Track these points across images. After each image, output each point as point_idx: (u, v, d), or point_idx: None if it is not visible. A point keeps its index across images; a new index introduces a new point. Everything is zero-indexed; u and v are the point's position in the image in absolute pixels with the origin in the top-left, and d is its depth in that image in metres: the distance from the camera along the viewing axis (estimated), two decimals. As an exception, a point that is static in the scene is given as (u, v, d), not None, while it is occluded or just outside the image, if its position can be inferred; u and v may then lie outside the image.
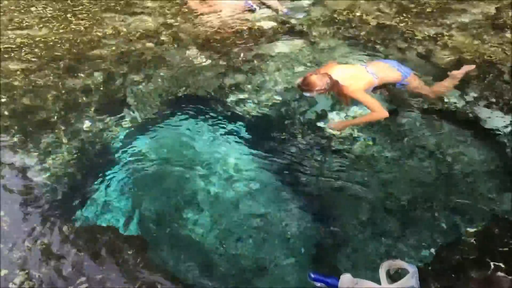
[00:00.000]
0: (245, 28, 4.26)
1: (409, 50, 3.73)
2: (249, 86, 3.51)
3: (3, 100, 3.19)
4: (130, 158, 3.10)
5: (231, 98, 3.42)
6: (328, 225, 2.58)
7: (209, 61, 3.78)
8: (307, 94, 2.99)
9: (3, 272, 1.98)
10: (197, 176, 3.06)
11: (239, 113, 3.33)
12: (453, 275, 1.93)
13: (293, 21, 4.34)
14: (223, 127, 3.36)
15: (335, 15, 4.34)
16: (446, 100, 3.20)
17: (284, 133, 3.14)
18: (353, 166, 2.84)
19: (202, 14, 4.62)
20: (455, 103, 3.19)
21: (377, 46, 3.82)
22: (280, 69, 3.66)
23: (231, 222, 2.79)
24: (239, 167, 3.09)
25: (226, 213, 2.83)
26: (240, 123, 3.34)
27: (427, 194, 2.58)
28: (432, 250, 2.17)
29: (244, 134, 3.30)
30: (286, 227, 2.74)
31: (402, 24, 4.07)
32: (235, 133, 3.33)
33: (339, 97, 3.17)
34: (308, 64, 3.70)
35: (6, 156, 2.74)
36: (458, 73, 3.26)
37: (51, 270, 2.00)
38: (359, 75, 3.04)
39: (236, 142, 3.24)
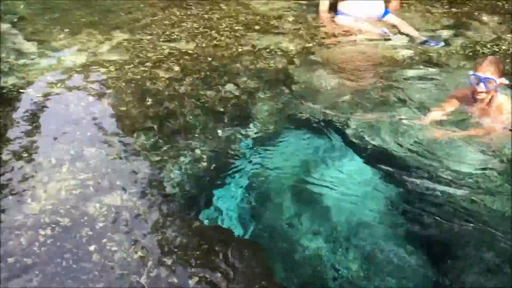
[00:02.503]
0: (378, 55, 4.26)
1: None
2: (376, 114, 3.47)
3: (149, 103, 3.51)
4: (252, 167, 3.24)
5: (354, 123, 3.40)
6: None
7: (338, 84, 3.82)
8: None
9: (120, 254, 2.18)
10: (313, 191, 3.10)
11: (360, 139, 3.30)
12: None
13: (430, 51, 4.23)
14: (342, 149, 3.37)
15: (478, 48, 4.13)
16: None
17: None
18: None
19: (336, 37, 4.71)
20: None
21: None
22: (411, 99, 3.58)
23: (346, 242, 2.77)
24: (354, 187, 3.07)
25: (342, 234, 2.83)
26: (360, 147, 3.32)
27: None
28: None
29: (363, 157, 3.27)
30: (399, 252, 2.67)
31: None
32: (352, 157, 3.32)
33: None
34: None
35: (147, 152, 3.01)
36: None
37: (172, 262, 2.16)
38: None
39: (353, 164, 3.22)
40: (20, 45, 4.39)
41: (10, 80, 3.70)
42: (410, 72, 3.97)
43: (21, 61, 4.03)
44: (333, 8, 5.08)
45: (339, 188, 3.12)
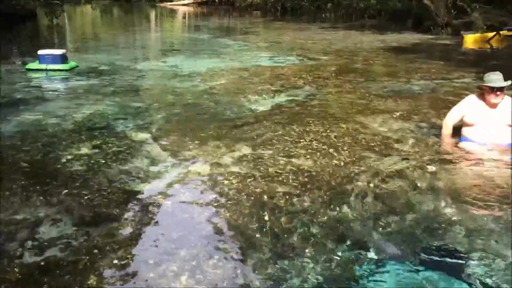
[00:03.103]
0: (507, 184, 4.01)
1: None
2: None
3: (266, 218, 3.58)
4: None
5: (484, 258, 3.13)
6: None
7: (464, 215, 3.60)
8: None
9: None
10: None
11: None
12: None
13: None
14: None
15: None
16: None
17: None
18: None
19: (460, 164, 4.55)
20: None
21: None
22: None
23: None
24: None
25: None
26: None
27: None
28: None
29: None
30: None
31: None
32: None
33: None
34: None
35: (261, 269, 3.01)
36: None
37: None
38: None
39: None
40: (154, 153, 4.84)
41: (142, 186, 4.04)
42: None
43: (154, 169, 4.41)
44: (456, 133, 4.98)
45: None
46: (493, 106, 4.63)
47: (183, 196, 3.86)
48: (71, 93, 7.83)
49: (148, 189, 3.98)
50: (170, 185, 4.07)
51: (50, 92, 7.99)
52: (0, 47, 13.65)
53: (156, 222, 3.46)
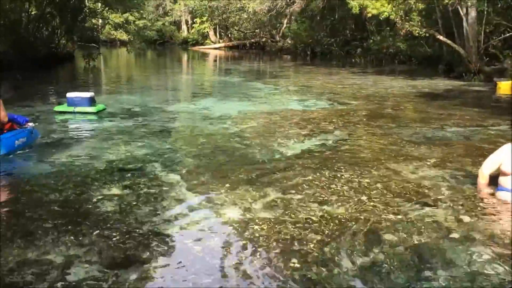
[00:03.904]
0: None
1: None
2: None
3: (296, 265, 3.49)
4: None
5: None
6: None
7: (506, 270, 3.44)
8: None
9: None
10: None
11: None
12: None
13: None
14: None
15: None
16: None
17: None
18: None
19: (498, 214, 4.40)
20: None
21: None
22: None
23: None
24: None
25: None
26: None
27: None
28: None
29: None
30: None
31: None
32: None
33: None
34: None
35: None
36: None
37: None
38: None
39: None
40: (184, 196, 4.84)
41: (172, 230, 4.02)
42: None
43: (184, 212, 4.40)
44: (493, 182, 4.83)
45: None
46: (531, 155, 4.50)
47: (212, 241, 3.81)
48: (104, 134, 7.99)
49: (178, 233, 3.96)
50: (200, 229, 4.05)
51: (84, 133, 8.17)
52: (38, 88, 14.21)
53: (186, 267, 3.42)
